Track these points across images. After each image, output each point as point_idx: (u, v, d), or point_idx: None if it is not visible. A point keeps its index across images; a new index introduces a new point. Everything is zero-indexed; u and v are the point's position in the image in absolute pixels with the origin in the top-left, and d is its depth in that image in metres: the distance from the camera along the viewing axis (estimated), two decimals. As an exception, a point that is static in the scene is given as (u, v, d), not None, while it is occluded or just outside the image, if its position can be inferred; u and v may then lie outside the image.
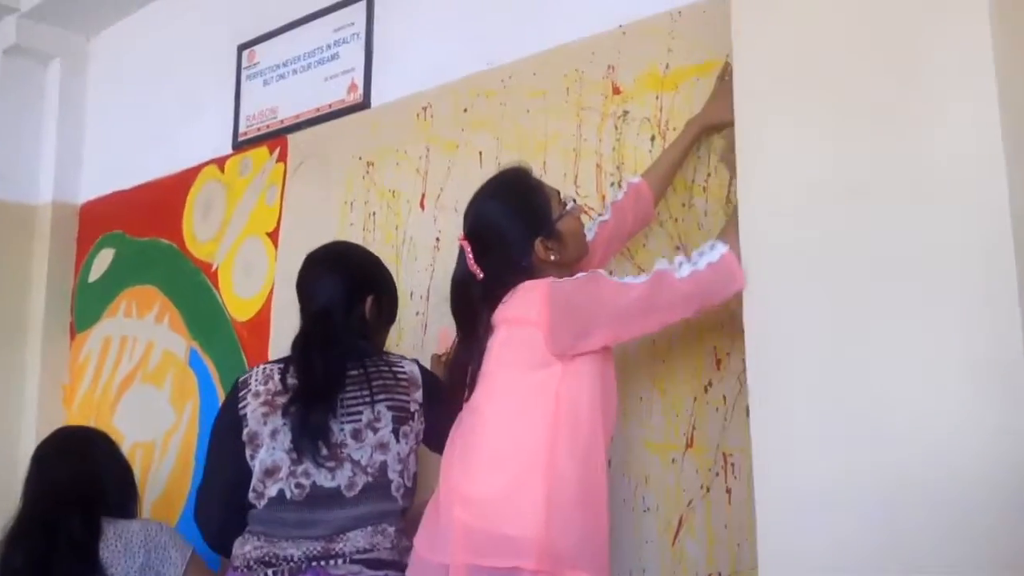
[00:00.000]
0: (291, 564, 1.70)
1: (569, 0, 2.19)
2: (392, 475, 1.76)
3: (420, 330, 2.35)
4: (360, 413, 1.75)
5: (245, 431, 1.78)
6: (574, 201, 1.80)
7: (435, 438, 1.82)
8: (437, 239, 2.35)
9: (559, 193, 1.80)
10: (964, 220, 1.31)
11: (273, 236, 2.78)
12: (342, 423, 1.74)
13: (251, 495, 1.77)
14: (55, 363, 3.47)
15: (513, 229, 1.71)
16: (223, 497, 1.83)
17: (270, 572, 1.70)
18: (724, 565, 1.80)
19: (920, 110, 1.38)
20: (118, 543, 2.14)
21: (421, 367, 1.88)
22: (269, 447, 1.75)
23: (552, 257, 1.70)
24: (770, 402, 1.48)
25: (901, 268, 1.37)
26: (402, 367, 1.84)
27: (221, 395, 2.84)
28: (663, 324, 1.64)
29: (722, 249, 1.55)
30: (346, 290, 1.86)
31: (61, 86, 3.57)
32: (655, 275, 1.58)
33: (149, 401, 3.08)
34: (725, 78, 1.84)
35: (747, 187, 1.55)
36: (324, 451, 1.72)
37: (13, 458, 3.41)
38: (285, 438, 1.74)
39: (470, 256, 1.73)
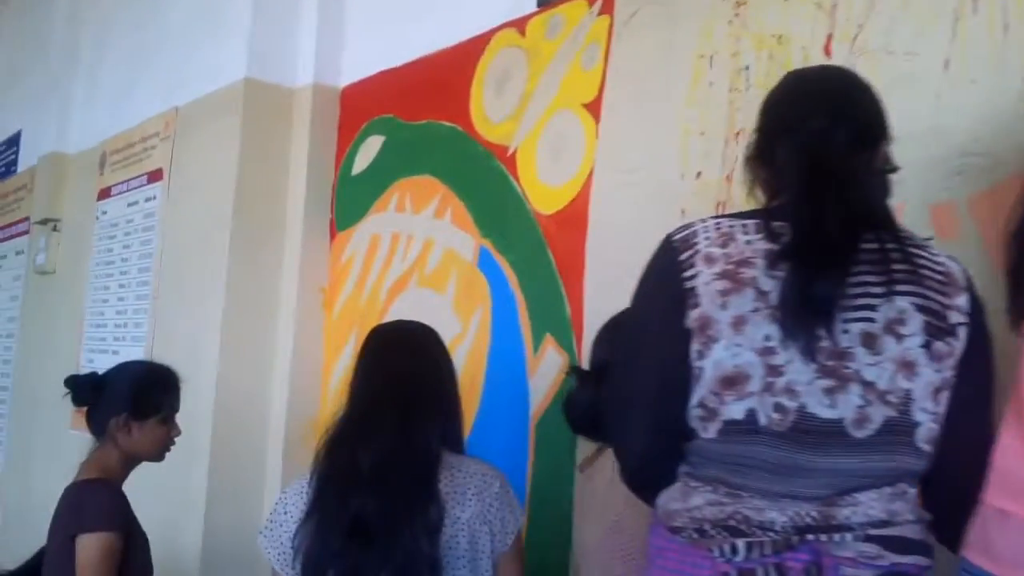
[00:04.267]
0: (773, 535, 1.13)
1: None
2: (919, 415, 1.14)
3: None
4: (873, 309, 1.13)
5: (694, 313, 1.18)
6: None
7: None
8: (852, 95, 1.74)
9: None
10: None
11: (592, 108, 2.26)
12: (846, 321, 1.13)
13: (695, 414, 1.18)
14: (314, 264, 3.12)
15: None
16: (654, 414, 1.23)
17: (740, 544, 1.13)
18: None
19: None
20: (452, 481, 1.71)
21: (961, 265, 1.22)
22: (731, 343, 1.15)
23: None
24: None
25: None
26: (936, 256, 1.20)
27: (520, 301, 2.38)
28: None
29: None
30: (862, 122, 1.26)
31: (323, -48, 3.16)
32: None
33: (427, 308, 2.66)
34: None
35: None
36: (823, 343, 1.12)
37: (270, 364, 3.12)
38: (757, 331, 1.14)
39: None
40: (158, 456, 2.17)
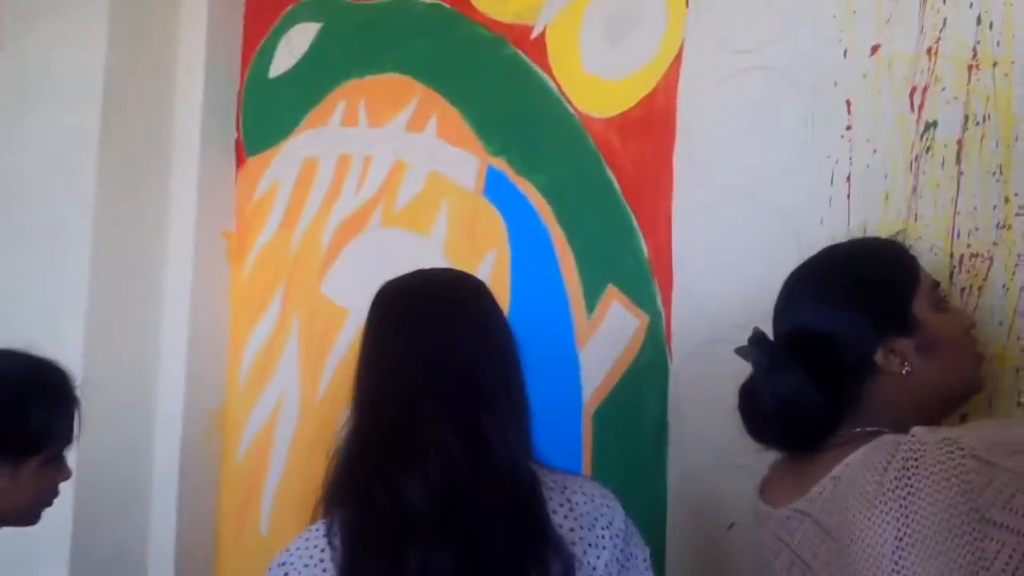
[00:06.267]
0: None
1: None
2: None
3: None
4: None
5: None
6: None
7: None
8: None
9: None
10: None
11: (677, -35, 1.59)
12: None
13: None
14: (215, 201, 2.30)
15: None
16: None
17: None
18: None
19: None
20: (572, 511, 1.09)
21: None
22: None
23: None
24: None
25: None
26: None
27: (559, 240, 1.70)
28: None
29: None
30: None
31: None
32: None
33: (402, 254, 1.92)
34: None
35: None
36: None
37: (156, 339, 2.29)
38: None
39: None
40: (33, 518, 1.36)
